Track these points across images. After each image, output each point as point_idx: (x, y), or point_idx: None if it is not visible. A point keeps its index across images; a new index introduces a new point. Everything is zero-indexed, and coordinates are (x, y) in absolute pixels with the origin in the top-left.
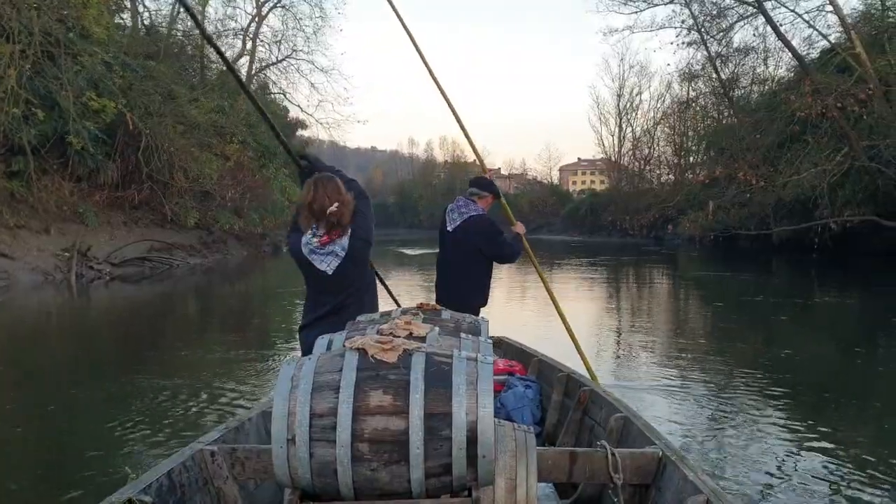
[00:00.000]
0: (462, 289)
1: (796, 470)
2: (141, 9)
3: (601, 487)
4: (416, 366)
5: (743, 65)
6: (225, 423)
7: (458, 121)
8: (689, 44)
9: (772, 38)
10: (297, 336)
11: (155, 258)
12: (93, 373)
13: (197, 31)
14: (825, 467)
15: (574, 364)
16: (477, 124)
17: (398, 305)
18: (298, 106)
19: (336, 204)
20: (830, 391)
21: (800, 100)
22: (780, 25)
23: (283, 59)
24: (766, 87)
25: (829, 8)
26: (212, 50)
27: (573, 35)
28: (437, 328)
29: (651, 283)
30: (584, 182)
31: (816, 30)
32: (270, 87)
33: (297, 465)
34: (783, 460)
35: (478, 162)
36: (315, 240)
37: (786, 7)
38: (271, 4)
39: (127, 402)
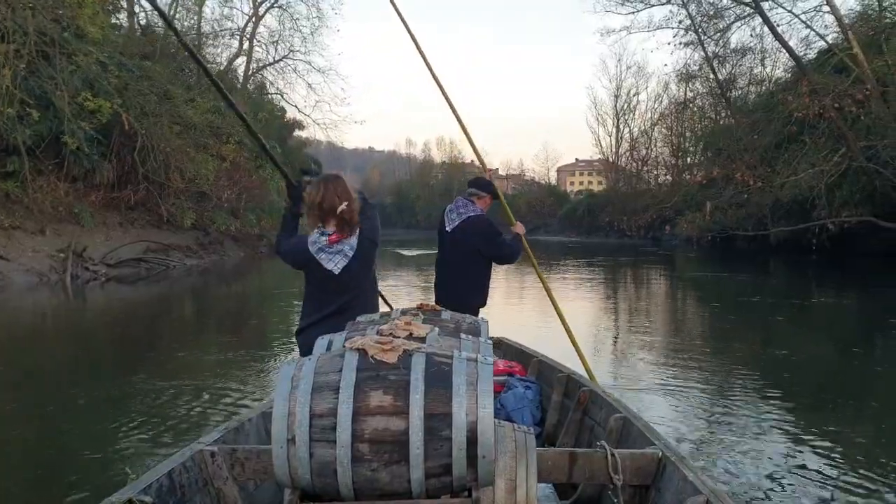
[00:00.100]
0: (461, 289)
1: (795, 470)
2: (137, 9)
3: (601, 488)
4: (416, 366)
5: (740, 65)
6: (225, 424)
7: (459, 120)
8: (687, 44)
9: (769, 39)
10: (295, 339)
11: (151, 259)
12: (90, 374)
13: (195, 31)
14: (824, 467)
15: (573, 365)
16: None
17: (390, 308)
18: (295, 106)
19: (345, 203)
20: (828, 391)
21: (797, 100)
22: (778, 26)
23: (280, 60)
24: (764, 87)
25: (826, 8)
26: (209, 50)
27: (571, 35)
28: (437, 329)
29: (649, 283)
30: (581, 183)
31: (814, 30)
32: (267, 87)
33: (297, 465)
34: (782, 460)
35: (477, 162)
36: (324, 238)
37: (783, 7)
38: (268, 5)
39: (125, 403)
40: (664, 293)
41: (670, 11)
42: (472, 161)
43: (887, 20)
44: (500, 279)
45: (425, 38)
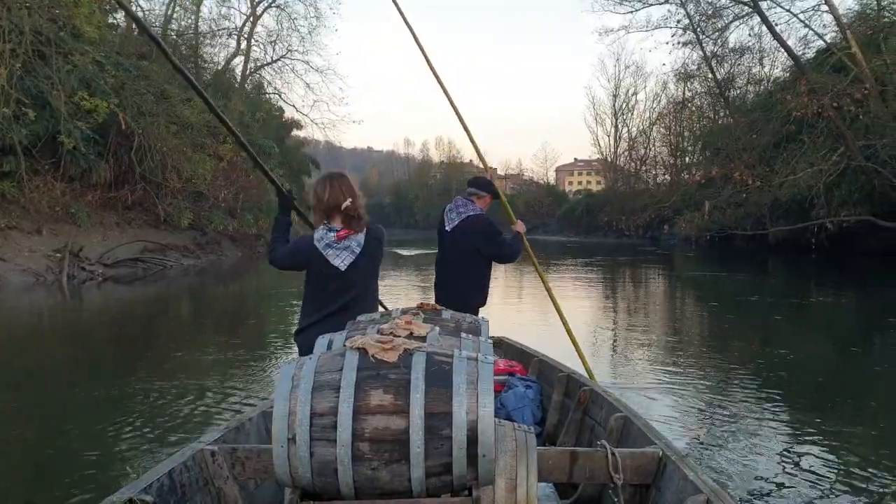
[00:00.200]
0: (460, 288)
1: (795, 469)
2: (134, 8)
3: (601, 487)
4: (416, 365)
5: (739, 65)
6: (225, 423)
7: (460, 119)
8: (685, 44)
9: (767, 38)
10: (294, 339)
11: (148, 259)
12: (88, 374)
13: (192, 31)
14: (823, 466)
15: (573, 364)
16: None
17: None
18: (293, 106)
19: (350, 199)
20: (827, 391)
21: (796, 99)
22: (776, 25)
23: (278, 60)
24: (762, 87)
25: (825, 7)
26: (207, 50)
27: (570, 35)
28: (437, 328)
29: (647, 283)
30: (580, 182)
31: (812, 29)
32: (265, 87)
33: (298, 464)
34: (782, 459)
35: (479, 161)
36: (332, 234)
37: (781, 7)
38: (266, 4)
39: (124, 402)
40: (663, 293)
41: (668, 11)
42: (471, 160)
43: (885, 19)
44: (499, 279)
45: (425, 37)
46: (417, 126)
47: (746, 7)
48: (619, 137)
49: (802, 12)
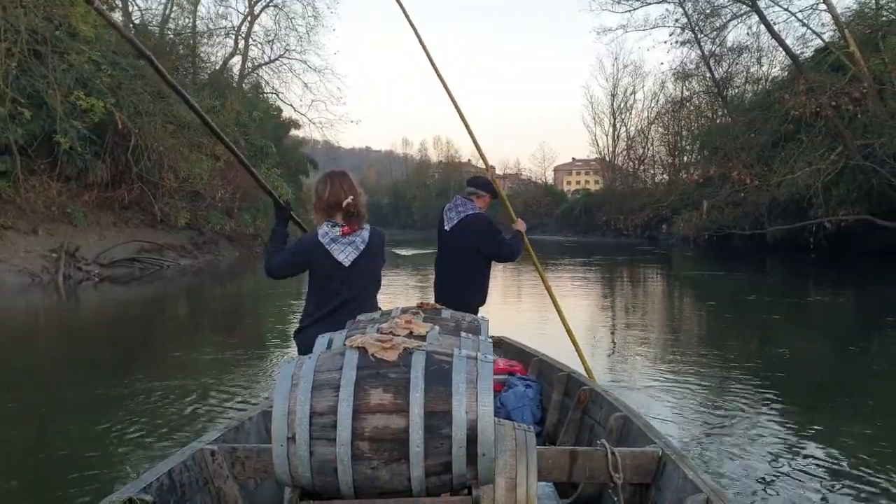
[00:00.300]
0: (460, 287)
1: (794, 468)
2: (132, 8)
3: (601, 487)
4: (416, 364)
5: (737, 64)
6: (225, 423)
7: (462, 118)
8: (683, 43)
9: (765, 37)
10: (294, 338)
11: (145, 259)
12: (86, 374)
13: (190, 31)
14: (822, 465)
15: (572, 364)
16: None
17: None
18: (291, 105)
19: (351, 196)
20: (826, 390)
21: (794, 98)
22: (774, 24)
23: (276, 59)
24: (760, 86)
25: (823, 6)
26: (204, 49)
27: (568, 35)
28: (437, 327)
29: (645, 282)
30: (578, 182)
31: (810, 28)
32: (263, 86)
33: (298, 463)
34: (780, 458)
35: (479, 161)
36: (337, 230)
37: (779, 6)
38: (264, 3)
39: (123, 403)
40: (661, 292)
41: (667, 10)
42: (469, 160)
43: (884, 18)
44: (498, 278)
45: (425, 37)
46: (416, 126)
47: (744, 6)
48: (618, 137)
49: (800, 11)
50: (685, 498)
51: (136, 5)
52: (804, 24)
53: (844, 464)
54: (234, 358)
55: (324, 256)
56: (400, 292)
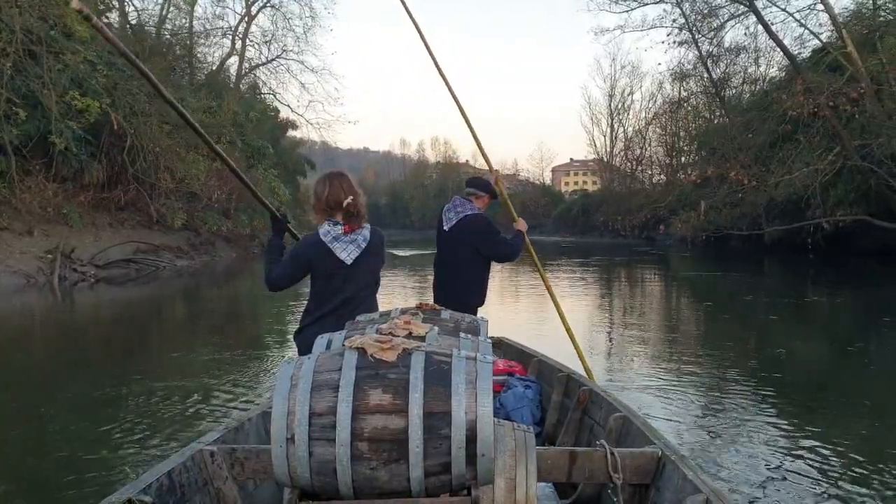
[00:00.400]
0: (458, 288)
1: (792, 468)
2: (129, 8)
3: (601, 487)
4: (415, 365)
5: (734, 64)
6: (225, 424)
7: (466, 121)
8: (681, 43)
9: (763, 38)
10: (294, 339)
11: (141, 260)
12: (83, 375)
13: (186, 31)
14: (820, 465)
15: (571, 364)
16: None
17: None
18: (288, 106)
19: (350, 197)
20: (824, 390)
21: (791, 99)
22: (772, 24)
23: (273, 60)
24: (758, 86)
25: (821, 7)
26: (201, 50)
27: (567, 35)
28: (436, 328)
29: (643, 283)
30: (576, 183)
31: (808, 29)
32: (260, 87)
33: (297, 464)
34: (779, 458)
35: (475, 161)
36: (339, 228)
37: (777, 6)
38: (261, 4)
39: (120, 404)
40: (659, 293)
41: (664, 10)
42: (468, 161)
43: (881, 18)
44: (496, 278)
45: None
46: (414, 126)
47: (742, 6)
48: (615, 137)
49: (798, 11)
50: (684, 498)
51: (133, 6)
52: (802, 25)
53: (842, 463)
54: (233, 358)
55: (326, 255)
56: (398, 293)
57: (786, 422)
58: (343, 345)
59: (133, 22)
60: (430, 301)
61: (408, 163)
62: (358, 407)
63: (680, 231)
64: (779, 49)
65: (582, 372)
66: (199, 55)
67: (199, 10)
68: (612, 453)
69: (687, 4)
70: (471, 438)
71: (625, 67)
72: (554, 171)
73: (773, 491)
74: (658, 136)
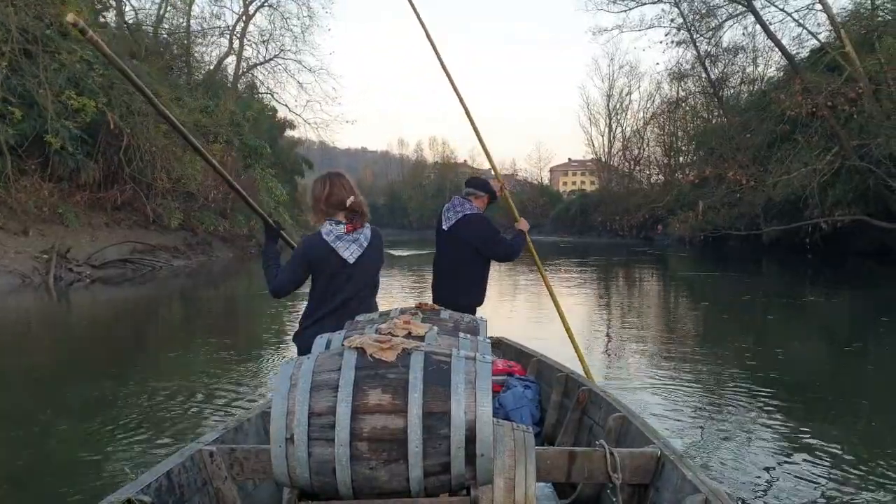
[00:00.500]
0: (457, 287)
1: (791, 467)
2: (126, 7)
3: (600, 487)
4: (414, 365)
5: (732, 64)
6: (224, 424)
7: (472, 123)
8: (679, 43)
9: (761, 38)
10: (294, 341)
11: (137, 260)
12: (80, 376)
13: (184, 30)
14: (818, 465)
15: (570, 364)
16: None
17: None
18: (286, 106)
19: (352, 196)
20: (822, 390)
21: (790, 99)
22: (770, 24)
23: (271, 59)
24: (756, 86)
25: (819, 7)
26: (199, 49)
27: (565, 35)
28: (435, 327)
29: (642, 283)
30: (574, 183)
31: (806, 28)
32: (258, 87)
33: (296, 464)
34: (778, 458)
35: (477, 162)
36: (341, 227)
37: (775, 6)
38: (258, 3)
39: (118, 404)
40: (657, 293)
41: (662, 10)
42: (465, 161)
43: (879, 18)
44: (493, 278)
45: (421, 37)
46: (412, 126)
47: (740, 6)
48: (613, 137)
49: (796, 11)
50: (684, 498)
51: (131, 5)
52: (800, 25)
53: (841, 463)
54: (230, 359)
55: (328, 254)
56: (396, 293)
57: (784, 421)
58: (342, 345)
59: (130, 21)
60: (429, 301)
61: (406, 163)
62: (357, 407)
63: (678, 231)
64: (777, 49)
65: (581, 372)
66: (196, 55)
67: (196, 10)
68: (612, 453)
69: (685, 4)
70: (470, 438)
71: (623, 67)
72: (552, 171)
73: (772, 490)
74: (656, 136)
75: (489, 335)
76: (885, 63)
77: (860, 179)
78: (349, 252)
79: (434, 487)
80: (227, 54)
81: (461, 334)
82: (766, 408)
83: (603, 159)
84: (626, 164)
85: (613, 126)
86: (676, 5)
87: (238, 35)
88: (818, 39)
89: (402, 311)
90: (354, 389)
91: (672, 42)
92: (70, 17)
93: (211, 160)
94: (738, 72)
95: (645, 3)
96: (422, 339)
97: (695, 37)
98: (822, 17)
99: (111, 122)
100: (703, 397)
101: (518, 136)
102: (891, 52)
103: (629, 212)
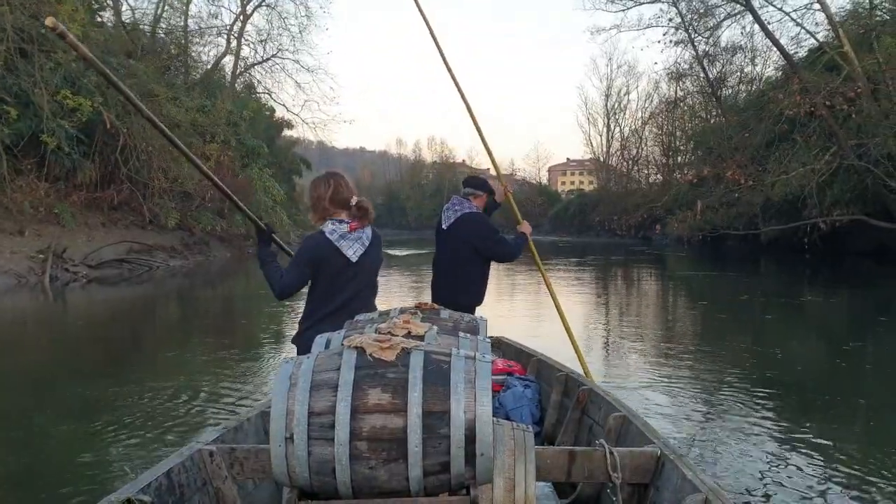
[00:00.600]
0: (457, 287)
1: (790, 467)
2: (124, 7)
3: (600, 487)
4: (414, 364)
5: (730, 64)
6: (224, 423)
7: (473, 119)
8: (677, 43)
9: (759, 38)
10: (294, 342)
11: (134, 260)
12: (77, 376)
13: (181, 30)
14: (817, 464)
15: (569, 364)
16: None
17: None
18: (284, 105)
19: (355, 196)
20: (819, 389)
21: (788, 98)
22: (768, 24)
23: (269, 59)
24: (754, 86)
25: (817, 6)
26: (196, 49)
27: (564, 35)
28: (435, 327)
29: (640, 283)
30: (572, 182)
31: (804, 28)
32: (255, 86)
33: (296, 463)
34: (777, 457)
35: (476, 162)
36: (344, 226)
37: (773, 5)
38: (256, 3)
39: (116, 404)
40: (656, 292)
41: (660, 10)
42: (464, 161)
43: (878, 18)
44: (492, 277)
45: (420, 32)
46: (410, 126)
47: (738, 5)
48: (612, 137)
49: (795, 11)
50: (684, 498)
51: (128, 4)
52: (798, 24)
53: (839, 462)
54: (229, 358)
55: (333, 253)
56: (395, 293)
57: (782, 421)
58: (342, 344)
59: (127, 21)
60: (429, 300)
61: (404, 162)
62: (357, 406)
63: (676, 231)
64: (775, 48)
65: (581, 371)
66: (193, 54)
67: (193, 9)
68: (612, 453)
69: (683, 4)
70: (470, 438)
71: (621, 67)
72: (550, 170)
73: (771, 489)
74: (654, 136)
75: (489, 335)
76: (884, 62)
77: (858, 179)
78: (352, 251)
79: (434, 487)
80: (224, 54)
81: (461, 334)
82: (764, 407)
83: (601, 159)
84: (625, 163)
85: (612, 126)
86: (674, 5)
87: (236, 35)
88: (816, 39)
89: (402, 311)
90: (354, 389)
91: (670, 42)
92: (49, 21)
93: (197, 162)
94: (736, 71)
95: (643, 3)
96: (421, 338)
97: (693, 36)
98: (821, 16)
99: (107, 122)
100: (701, 397)
101: (516, 136)
102: (889, 51)
103: (627, 211)
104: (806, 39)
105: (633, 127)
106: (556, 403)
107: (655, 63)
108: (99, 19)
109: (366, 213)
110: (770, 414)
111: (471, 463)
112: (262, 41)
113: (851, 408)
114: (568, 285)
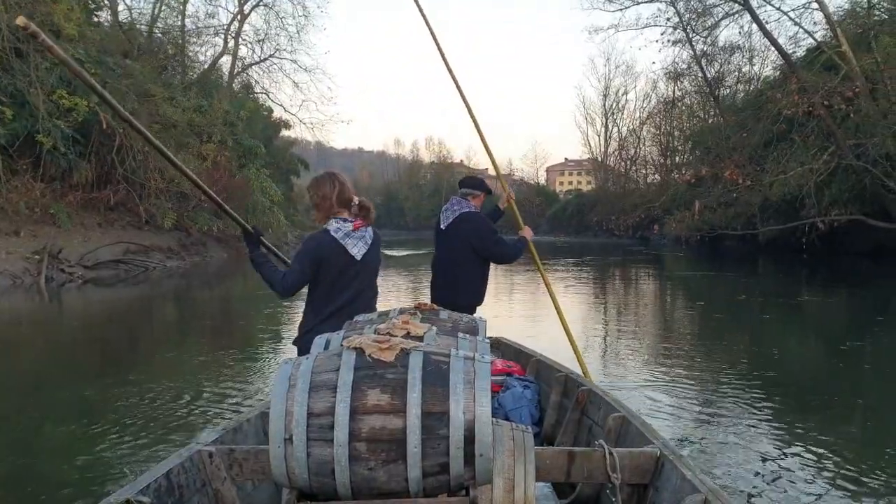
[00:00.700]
0: (456, 287)
1: (789, 467)
2: (121, 7)
3: (599, 487)
4: (413, 365)
5: (728, 63)
6: (223, 424)
7: (474, 120)
8: (675, 42)
9: (757, 37)
10: (295, 343)
11: (130, 260)
12: (75, 377)
13: (178, 30)
14: (816, 464)
15: (569, 364)
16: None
17: None
18: (281, 106)
19: (355, 197)
20: (818, 389)
21: (786, 98)
22: (766, 23)
23: (266, 59)
24: (752, 86)
25: (815, 5)
26: (193, 49)
27: (562, 34)
28: (434, 328)
29: (638, 283)
30: (570, 182)
31: (802, 28)
32: (253, 86)
33: (295, 464)
34: (776, 458)
35: (476, 163)
36: (349, 224)
37: (771, 5)
38: (253, 3)
39: (114, 405)
40: (654, 292)
41: (658, 9)
42: (462, 161)
43: (876, 17)
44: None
45: (420, 31)
46: (408, 126)
47: (737, 5)
48: (610, 137)
49: (793, 10)
50: (683, 498)
51: (125, 4)
52: (796, 24)
53: (837, 462)
54: (228, 359)
55: (338, 251)
56: (393, 293)
57: (780, 421)
58: (341, 345)
59: (124, 20)
60: (428, 301)
61: (402, 163)
62: (356, 407)
63: (674, 231)
64: (773, 48)
65: (580, 372)
66: (190, 54)
67: (191, 9)
68: (611, 453)
69: (681, 3)
70: (469, 438)
71: (619, 67)
72: (548, 170)
73: (770, 490)
74: (652, 136)
75: (488, 335)
76: (882, 62)
77: (856, 179)
78: (357, 249)
79: (433, 488)
80: (221, 54)
81: (460, 334)
82: (762, 407)
83: (599, 159)
84: (623, 163)
85: (610, 126)
86: (672, 4)
87: (233, 34)
88: (814, 38)
89: (401, 312)
90: (353, 390)
91: (668, 41)
92: (20, 21)
93: (181, 167)
94: (734, 71)
95: (641, 3)
96: (420, 339)
97: (691, 36)
98: (819, 15)
99: (104, 122)
100: (699, 397)
101: (514, 136)
102: (887, 50)
103: (625, 211)
104: (804, 39)
105: (631, 127)
106: (555, 404)
107: (653, 63)
108: (95, 19)
109: (368, 212)
110: (768, 414)
111: (470, 464)
112: (259, 41)
113: (849, 407)
114: (566, 286)
